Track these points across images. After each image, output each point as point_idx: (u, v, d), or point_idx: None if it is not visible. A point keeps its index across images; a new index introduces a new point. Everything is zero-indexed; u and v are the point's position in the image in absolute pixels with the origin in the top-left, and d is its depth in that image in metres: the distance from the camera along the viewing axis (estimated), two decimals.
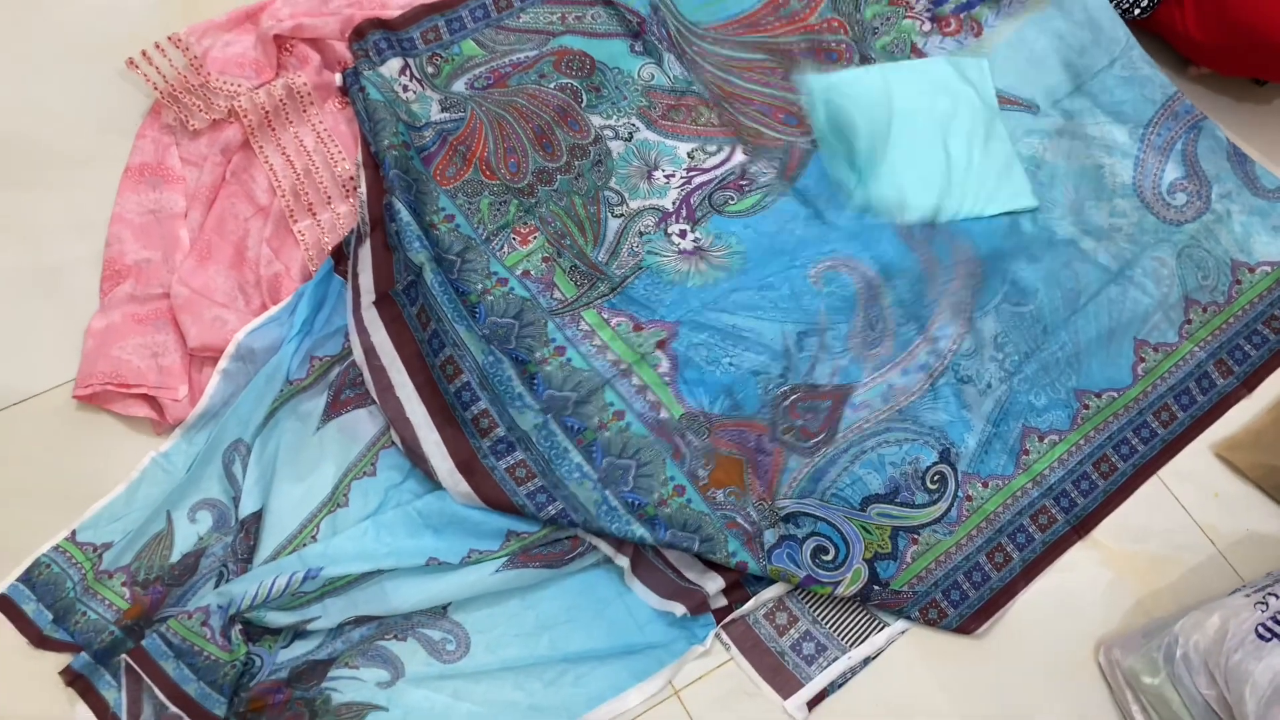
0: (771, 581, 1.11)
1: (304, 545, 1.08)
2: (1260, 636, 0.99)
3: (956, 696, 1.10)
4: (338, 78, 1.31)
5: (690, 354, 1.18)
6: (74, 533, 1.06)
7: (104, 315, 1.15)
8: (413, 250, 1.16)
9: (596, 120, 1.33)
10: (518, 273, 1.21)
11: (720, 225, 1.28)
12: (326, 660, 1.04)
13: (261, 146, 1.27)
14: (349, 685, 1.03)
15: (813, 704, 1.07)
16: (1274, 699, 0.94)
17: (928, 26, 1.48)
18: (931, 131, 1.38)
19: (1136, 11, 1.48)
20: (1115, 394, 1.25)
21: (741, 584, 1.10)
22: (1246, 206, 1.39)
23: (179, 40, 1.29)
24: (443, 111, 1.30)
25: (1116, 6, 1.48)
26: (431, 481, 1.09)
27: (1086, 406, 1.24)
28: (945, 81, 1.42)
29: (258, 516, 1.08)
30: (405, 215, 1.18)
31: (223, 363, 1.13)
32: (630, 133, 1.33)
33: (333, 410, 1.15)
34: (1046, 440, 1.21)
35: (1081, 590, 1.16)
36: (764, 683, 1.08)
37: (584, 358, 1.17)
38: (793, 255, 1.26)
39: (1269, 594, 1.03)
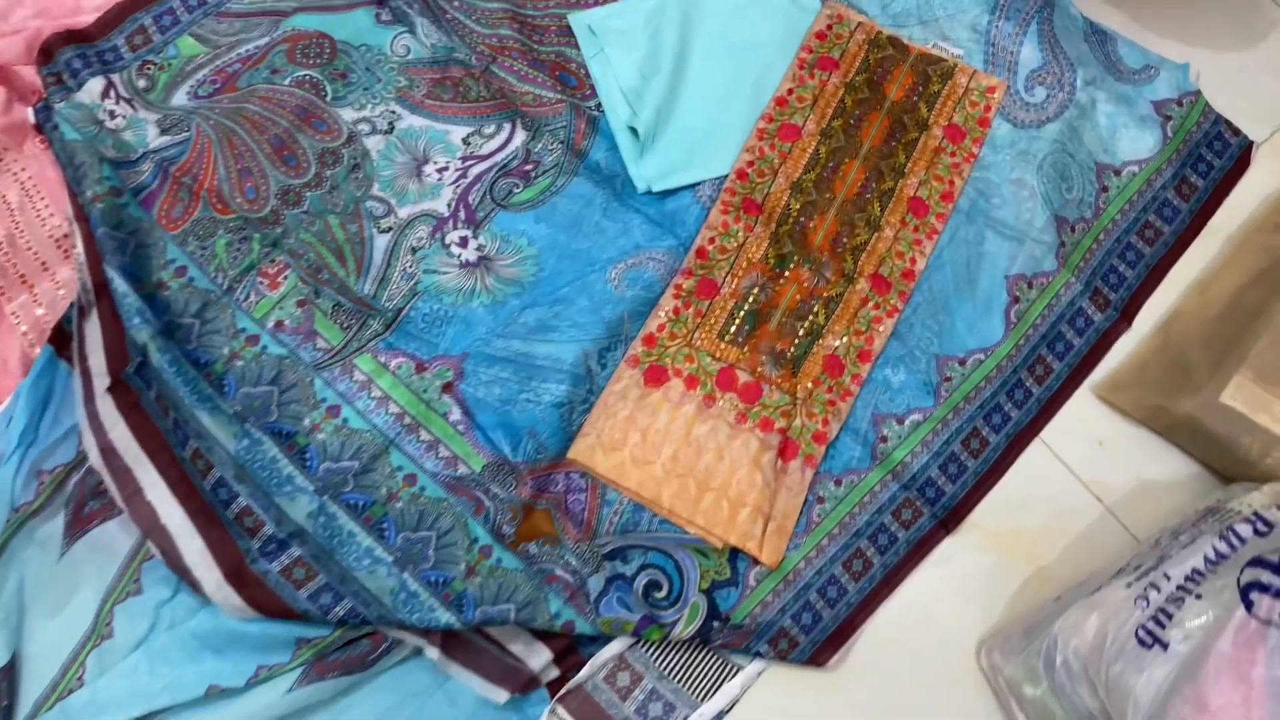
0: (609, 639, 0.98)
1: (70, 691, 0.94)
2: (1141, 643, 0.87)
3: None
4: (29, 114, 1.10)
5: (482, 395, 1.02)
6: None
7: None
8: (133, 327, 0.97)
9: (348, 114, 1.12)
10: (269, 325, 1.03)
11: (506, 224, 1.09)
12: None
13: None
14: None
15: None
16: (1158, 717, 0.84)
17: None
18: (740, 58, 1.18)
19: None
20: (983, 355, 1.10)
21: (575, 647, 0.98)
22: (1111, 94, 1.20)
23: None
24: (162, 135, 1.09)
25: None
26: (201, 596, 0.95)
27: (948, 378, 1.08)
28: None
29: (9, 669, 0.94)
30: (120, 284, 0.99)
31: None
32: (390, 122, 1.12)
33: (76, 528, 0.98)
34: (907, 423, 1.07)
35: (960, 582, 1.04)
36: None
37: (362, 415, 1.01)
38: (591, 255, 1.08)
39: (1149, 586, 0.91)
